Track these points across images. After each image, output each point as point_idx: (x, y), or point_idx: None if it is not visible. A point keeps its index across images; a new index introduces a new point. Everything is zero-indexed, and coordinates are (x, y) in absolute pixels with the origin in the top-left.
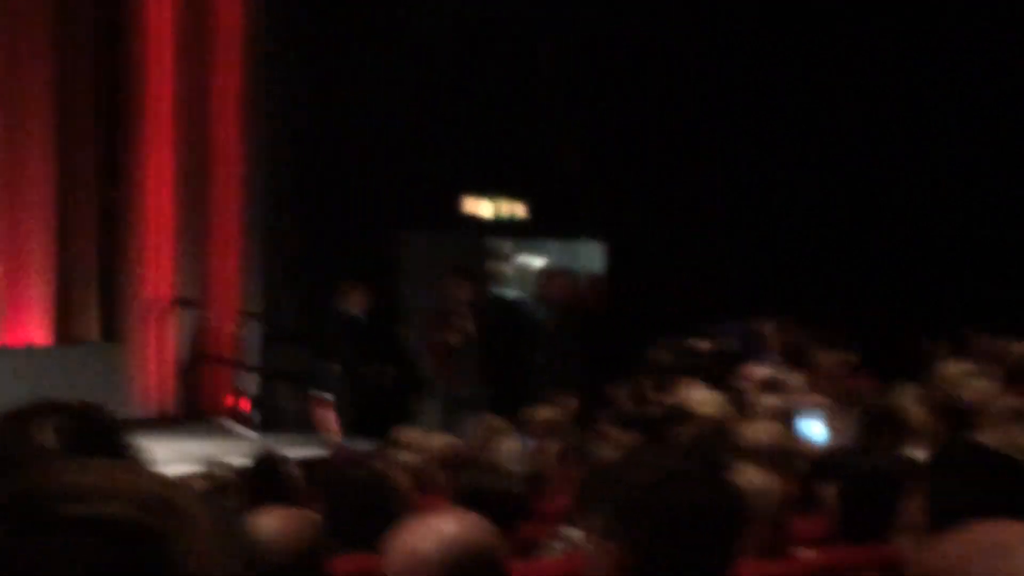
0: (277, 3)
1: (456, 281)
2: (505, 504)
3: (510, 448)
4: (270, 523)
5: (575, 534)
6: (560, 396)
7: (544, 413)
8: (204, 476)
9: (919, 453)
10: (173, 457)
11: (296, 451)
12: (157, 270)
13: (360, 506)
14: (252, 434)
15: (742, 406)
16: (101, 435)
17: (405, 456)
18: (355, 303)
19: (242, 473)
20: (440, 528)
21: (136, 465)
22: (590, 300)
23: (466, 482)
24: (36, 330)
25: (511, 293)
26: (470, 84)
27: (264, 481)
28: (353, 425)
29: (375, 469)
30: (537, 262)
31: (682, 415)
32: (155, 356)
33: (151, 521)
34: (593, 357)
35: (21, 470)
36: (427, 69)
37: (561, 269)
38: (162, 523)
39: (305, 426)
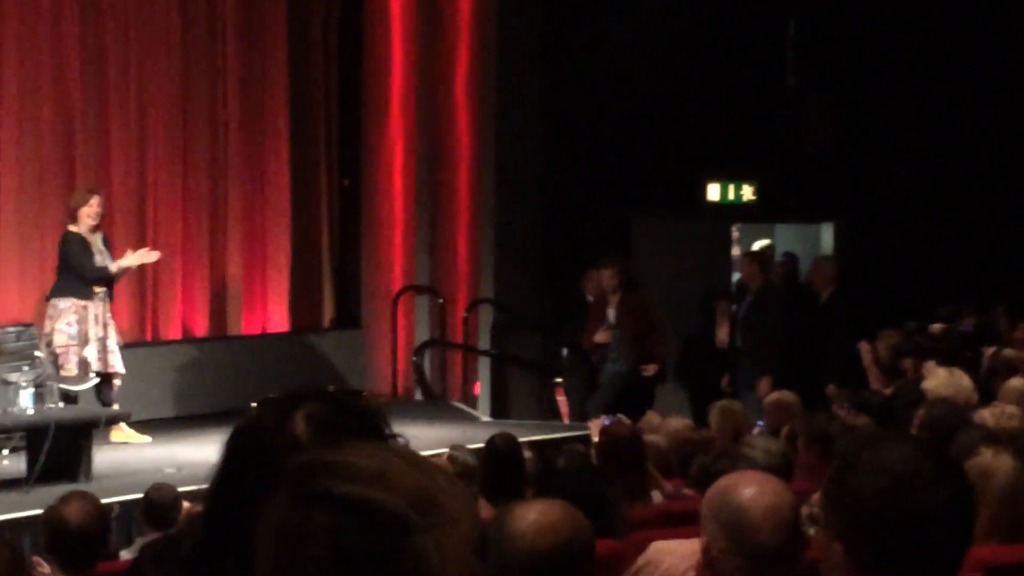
0: None
1: (598, 272)
2: None
3: (752, 433)
4: (534, 516)
5: None
6: (761, 378)
7: (776, 396)
8: (447, 460)
9: None
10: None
11: (528, 435)
12: (392, 257)
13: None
14: (485, 418)
15: (978, 388)
16: (358, 424)
17: (648, 439)
18: (589, 288)
19: (481, 457)
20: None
21: (418, 458)
22: (787, 282)
23: (700, 466)
24: (273, 318)
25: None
26: (705, 65)
27: (503, 465)
28: (584, 409)
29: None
30: (758, 246)
31: (917, 398)
32: (390, 342)
33: (413, 514)
34: (814, 338)
35: (302, 452)
36: (663, 50)
37: (754, 252)
38: (423, 519)
39: (537, 410)
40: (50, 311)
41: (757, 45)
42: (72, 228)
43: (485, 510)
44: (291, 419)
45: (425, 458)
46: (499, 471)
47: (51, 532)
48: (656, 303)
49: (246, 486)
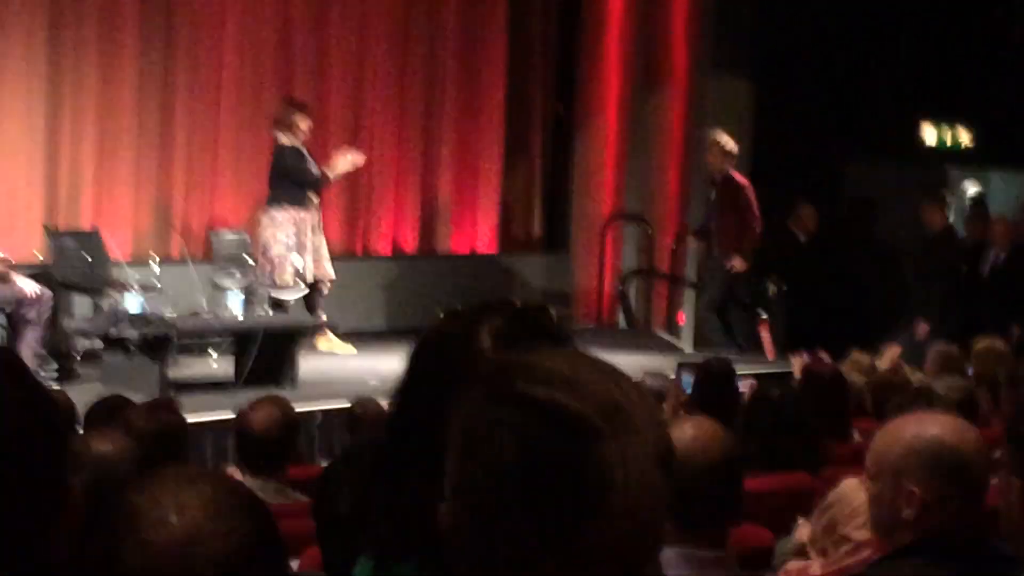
0: None
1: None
2: None
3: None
4: (687, 432)
5: None
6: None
7: (987, 343)
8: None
9: None
10: None
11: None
12: (602, 184)
13: (772, 425)
14: (688, 349)
15: None
16: (541, 339)
17: (853, 378)
18: (801, 225)
19: (695, 379)
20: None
21: (610, 368)
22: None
23: (891, 407)
24: (482, 237)
25: None
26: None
27: (716, 388)
28: (787, 344)
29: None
30: (970, 192)
31: None
32: (596, 268)
33: (598, 422)
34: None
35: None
36: None
37: (932, 198)
38: (608, 427)
39: (738, 343)
40: (265, 220)
41: None
42: (284, 139)
43: None
44: (476, 331)
45: (617, 368)
46: (711, 394)
47: (238, 436)
48: (755, 194)
49: (430, 394)
